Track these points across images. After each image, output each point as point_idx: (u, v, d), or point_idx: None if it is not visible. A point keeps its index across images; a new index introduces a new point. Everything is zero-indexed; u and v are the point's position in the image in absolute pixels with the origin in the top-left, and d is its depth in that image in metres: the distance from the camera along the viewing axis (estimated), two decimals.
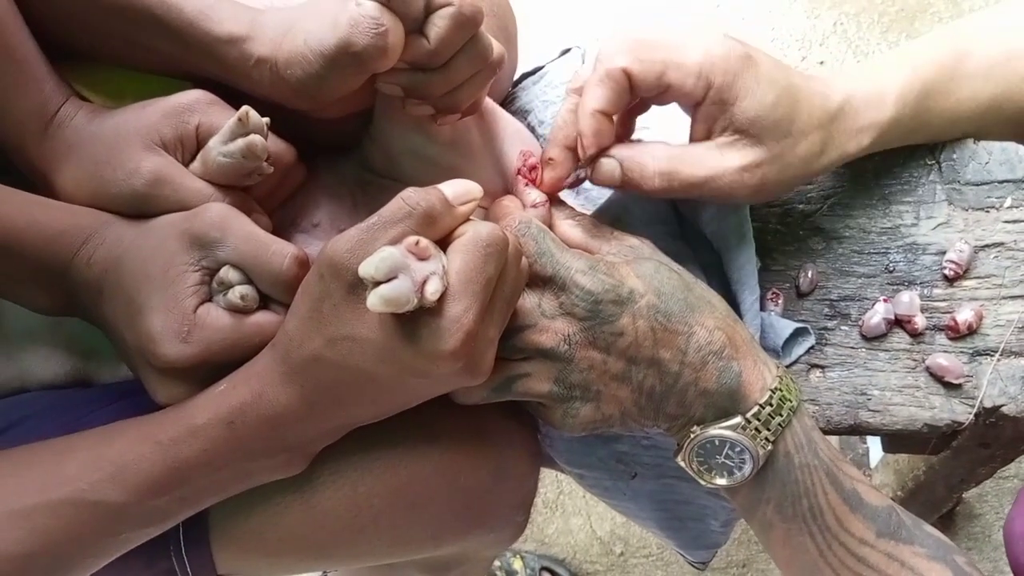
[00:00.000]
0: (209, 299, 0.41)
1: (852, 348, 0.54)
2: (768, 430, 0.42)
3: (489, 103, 0.50)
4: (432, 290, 0.34)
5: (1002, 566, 1.01)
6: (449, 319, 0.35)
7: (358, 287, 0.35)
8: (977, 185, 0.55)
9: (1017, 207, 0.54)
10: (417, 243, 0.35)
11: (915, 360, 0.53)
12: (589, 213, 0.52)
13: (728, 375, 0.42)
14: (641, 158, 0.46)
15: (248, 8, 0.45)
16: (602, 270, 0.42)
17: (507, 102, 0.62)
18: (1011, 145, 0.55)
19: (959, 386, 0.52)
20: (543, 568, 1.10)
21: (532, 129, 0.58)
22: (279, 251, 0.40)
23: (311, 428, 0.40)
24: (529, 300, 0.43)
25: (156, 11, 0.43)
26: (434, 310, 0.35)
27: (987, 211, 0.55)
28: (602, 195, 0.54)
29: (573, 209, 0.47)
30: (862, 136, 0.49)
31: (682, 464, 0.44)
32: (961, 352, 0.52)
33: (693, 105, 0.46)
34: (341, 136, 0.51)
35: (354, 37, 0.39)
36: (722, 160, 0.46)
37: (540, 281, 0.43)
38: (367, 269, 0.33)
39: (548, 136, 0.48)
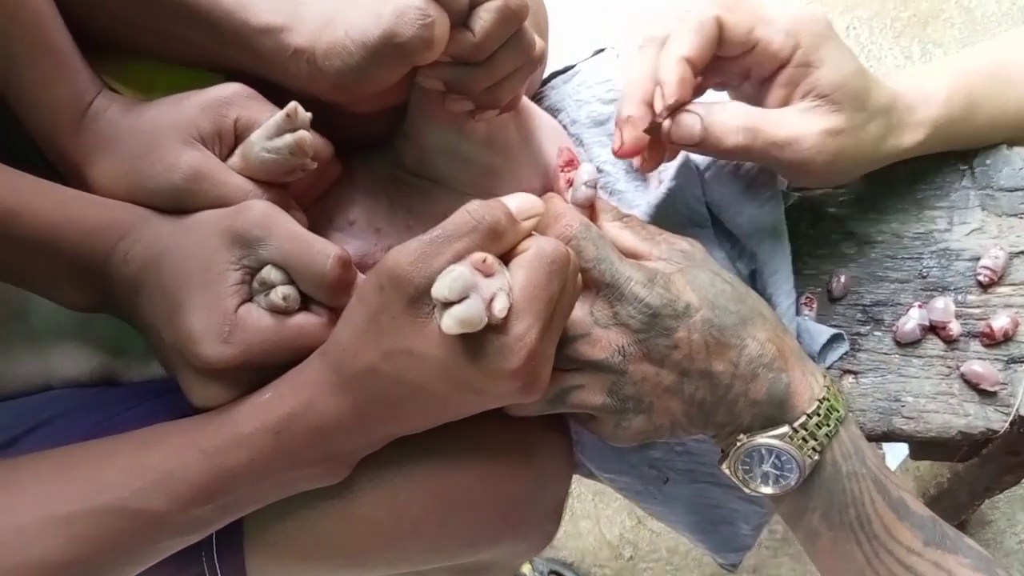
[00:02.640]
0: (250, 299, 0.40)
1: (885, 354, 0.54)
2: (815, 440, 0.41)
3: (524, 100, 0.49)
4: (499, 308, 0.34)
5: (1014, 573, 1.00)
6: (513, 337, 0.35)
7: (419, 300, 0.35)
8: (1011, 191, 0.55)
9: None
10: (484, 260, 0.34)
11: (949, 367, 0.52)
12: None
13: (777, 386, 0.42)
14: (724, 113, 0.45)
15: None
16: (660, 283, 0.42)
17: (537, 101, 0.61)
18: None
19: (994, 393, 0.51)
20: (551, 572, 1.09)
21: (564, 128, 0.58)
22: (323, 251, 0.39)
23: (359, 438, 0.40)
24: (582, 308, 0.42)
25: (192, 1, 0.43)
26: (498, 327, 0.35)
27: (1020, 217, 0.54)
28: (637, 197, 0.53)
29: (619, 210, 0.47)
30: (917, 131, 0.50)
31: (727, 471, 0.44)
32: (996, 359, 0.52)
33: (774, 69, 0.45)
34: (374, 133, 0.50)
35: (399, 28, 0.38)
36: (806, 123, 0.45)
37: (595, 287, 0.42)
38: (440, 290, 0.32)
39: (622, 94, 0.46)
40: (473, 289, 0.33)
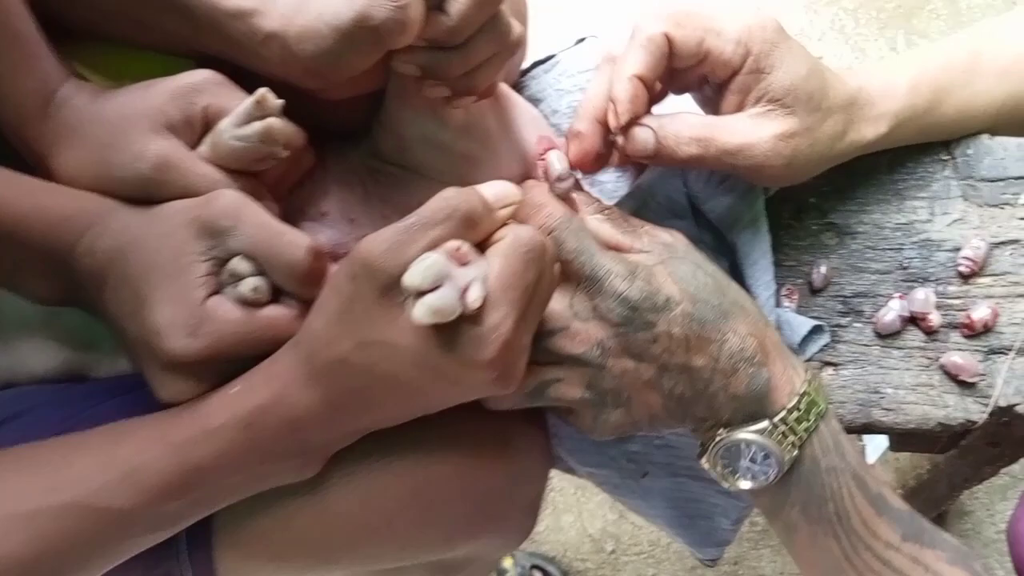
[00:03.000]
0: (219, 291, 0.39)
1: (865, 346, 0.53)
2: (795, 434, 0.41)
3: (504, 88, 0.49)
4: (474, 297, 0.33)
5: (991, 563, 1.01)
6: (488, 327, 0.34)
7: (392, 289, 0.34)
8: (992, 181, 0.55)
9: None
10: (459, 249, 0.33)
11: (929, 358, 0.52)
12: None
13: (758, 380, 0.41)
14: (676, 125, 0.45)
15: None
16: (641, 276, 0.41)
17: (517, 90, 0.60)
18: None
19: (973, 385, 0.51)
20: (533, 566, 1.09)
21: (545, 118, 0.57)
22: (294, 241, 0.38)
23: (332, 431, 0.39)
24: (561, 301, 0.41)
25: None
26: (472, 317, 0.34)
27: (1002, 207, 0.54)
28: (618, 187, 0.53)
29: (601, 202, 0.46)
30: (879, 124, 0.50)
31: (706, 466, 0.43)
32: (976, 350, 0.52)
33: (727, 77, 0.45)
34: (349, 121, 0.49)
35: (372, 10, 0.37)
36: (757, 129, 0.45)
37: (575, 280, 0.41)
38: (412, 279, 0.31)
39: (576, 109, 0.46)
40: (447, 278, 0.32)
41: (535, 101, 0.58)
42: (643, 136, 0.45)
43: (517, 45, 0.43)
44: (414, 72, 0.42)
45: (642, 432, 0.45)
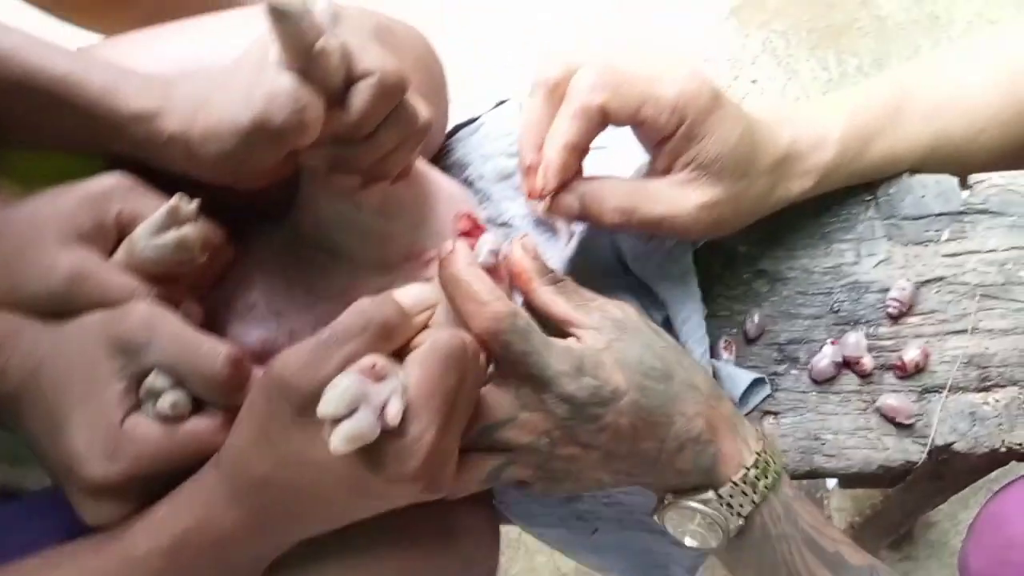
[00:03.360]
0: (137, 407, 0.38)
1: (803, 392, 0.54)
2: (741, 505, 0.42)
3: (421, 165, 0.48)
4: (393, 413, 0.32)
5: (955, 571, 1.02)
6: (411, 439, 0.33)
7: (309, 408, 0.33)
8: (915, 219, 0.55)
9: (955, 240, 0.55)
10: (374, 366, 0.32)
11: (866, 401, 0.53)
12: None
13: (703, 458, 0.42)
14: (601, 193, 0.46)
15: (158, 80, 0.42)
16: (588, 371, 0.40)
17: (443, 155, 0.60)
18: (945, 177, 0.56)
19: (910, 425, 0.52)
20: None
21: (471, 183, 0.57)
22: (211, 351, 0.37)
23: (259, 547, 0.38)
24: (507, 393, 0.41)
25: (57, 89, 0.41)
26: (394, 431, 0.33)
27: (926, 245, 0.55)
28: (548, 250, 0.52)
29: (555, 273, 0.45)
30: (805, 179, 0.50)
31: (657, 521, 0.45)
32: (910, 390, 0.52)
33: (659, 140, 0.46)
34: (268, 205, 0.48)
35: (270, 113, 0.37)
36: (680, 198, 0.46)
37: (521, 377, 0.41)
38: (326, 408, 0.31)
39: (519, 144, 0.47)
40: (363, 400, 0.31)
41: (462, 166, 0.58)
42: (568, 202, 0.46)
43: (425, 131, 0.42)
44: (322, 166, 0.41)
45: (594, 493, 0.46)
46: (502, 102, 0.59)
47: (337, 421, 0.31)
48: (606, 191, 0.46)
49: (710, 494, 0.42)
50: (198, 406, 0.39)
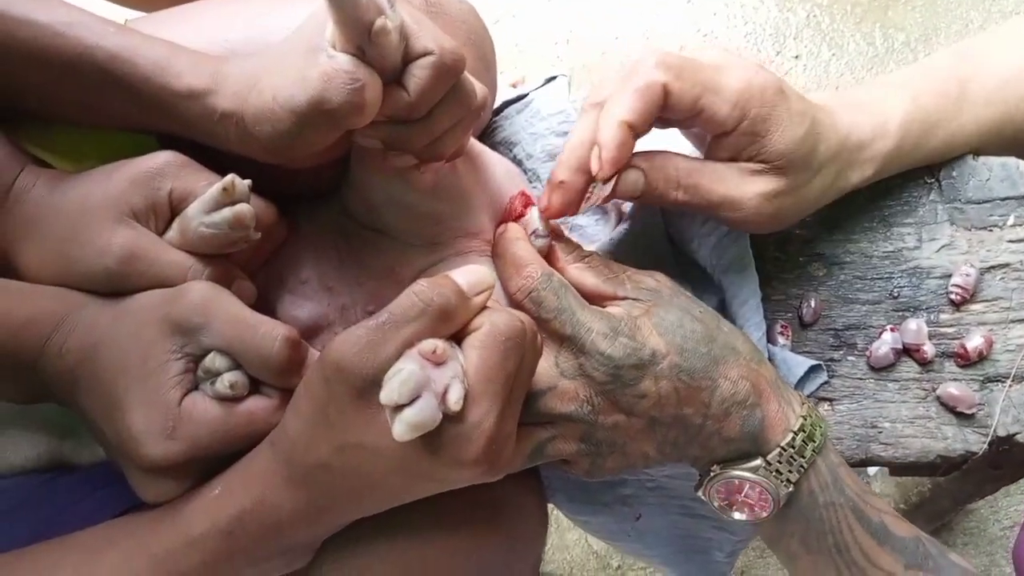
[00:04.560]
0: (195, 387, 0.37)
1: (860, 379, 0.52)
2: (790, 471, 0.41)
3: (474, 144, 0.47)
4: (455, 399, 0.32)
5: (998, 560, 1.01)
6: (471, 424, 0.33)
7: (367, 392, 0.32)
8: (979, 203, 0.53)
9: (1020, 225, 0.53)
10: (435, 351, 0.32)
11: (925, 390, 0.51)
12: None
13: (751, 422, 0.41)
14: (664, 169, 0.44)
15: (209, 58, 0.42)
16: (624, 332, 0.40)
17: (490, 132, 0.59)
18: (1011, 160, 0.54)
19: (972, 416, 0.50)
20: None
21: (519, 163, 0.56)
22: (268, 333, 0.37)
23: (316, 529, 0.38)
24: (547, 359, 0.41)
25: (108, 67, 0.40)
26: (454, 415, 0.33)
27: (990, 230, 0.53)
28: (598, 233, 0.51)
29: (582, 248, 0.45)
30: (866, 167, 0.49)
31: (703, 497, 0.44)
32: (972, 379, 0.51)
33: (719, 134, 0.44)
34: (318, 184, 0.48)
35: (328, 93, 0.36)
36: (744, 184, 0.44)
37: (558, 338, 0.41)
38: (390, 396, 0.30)
39: (559, 157, 0.44)
40: (424, 387, 0.31)
41: (510, 144, 0.57)
42: (633, 178, 0.44)
43: (481, 109, 0.41)
44: (377, 146, 0.40)
45: (639, 469, 0.46)
46: (552, 78, 0.57)
47: (399, 408, 0.30)
48: (669, 167, 0.44)
49: (758, 461, 0.41)
50: (254, 386, 0.39)
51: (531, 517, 0.48)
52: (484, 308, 0.36)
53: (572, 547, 1.13)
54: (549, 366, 0.41)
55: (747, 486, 0.42)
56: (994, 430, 0.50)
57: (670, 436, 0.42)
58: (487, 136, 0.59)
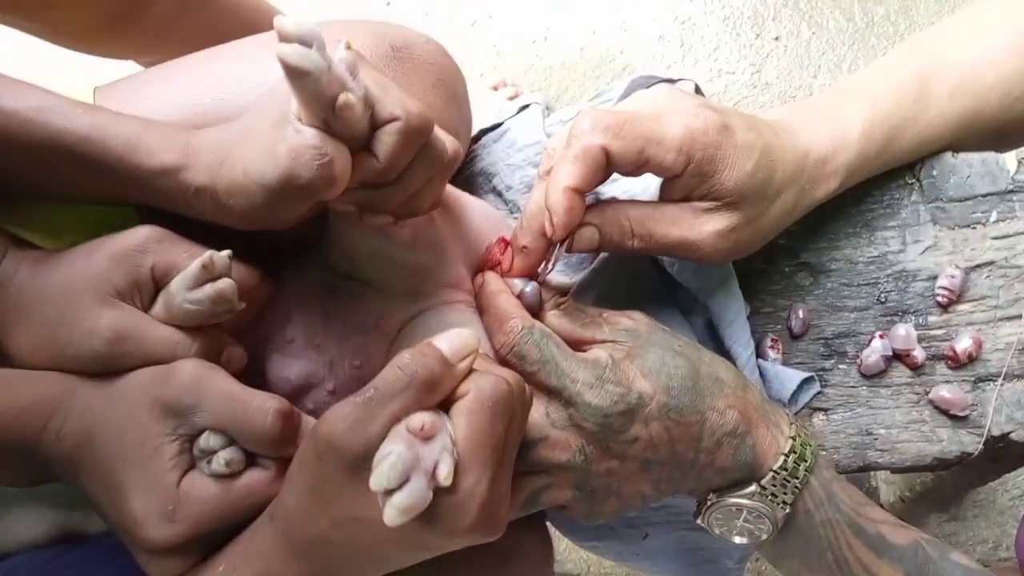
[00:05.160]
0: (192, 466, 0.38)
1: (852, 387, 0.53)
2: (784, 493, 0.42)
3: (451, 191, 0.47)
4: (444, 474, 0.32)
5: (1009, 530, 1.02)
6: (464, 494, 0.33)
7: (359, 467, 0.33)
8: (961, 201, 0.53)
9: (1004, 220, 0.53)
10: (422, 427, 0.32)
11: (918, 394, 0.52)
12: (570, 280, 0.50)
13: (743, 451, 0.42)
14: (617, 221, 0.44)
15: (179, 131, 0.42)
16: (610, 379, 0.40)
17: (469, 161, 0.59)
18: (990, 156, 0.54)
19: (965, 417, 0.50)
20: None
21: (500, 194, 0.56)
22: (260, 408, 0.37)
23: None
24: (537, 410, 0.41)
25: (79, 150, 0.40)
26: (446, 487, 0.33)
27: (974, 228, 0.53)
28: (583, 260, 0.52)
29: (557, 295, 0.45)
30: (830, 181, 0.49)
31: (702, 524, 0.44)
32: (963, 380, 0.51)
33: (669, 178, 0.44)
34: (300, 238, 0.48)
35: (297, 170, 0.36)
36: (698, 224, 0.44)
37: (546, 390, 0.41)
38: (379, 482, 0.30)
39: (519, 222, 0.45)
40: (413, 468, 0.31)
41: (489, 175, 0.57)
42: (588, 235, 0.44)
43: (453, 164, 0.41)
44: (352, 210, 0.41)
45: (638, 508, 0.46)
46: (525, 107, 0.57)
47: (389, 492, 0.31)
48: (621, 219, 0.44)
49: (753, 487, 0.42)
50: (251, 458, 0.39)
51: (537, 556, 0.49)
52: (470, 371, 0.36)
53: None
54: (540, 416, 0.41)
55: (744, 511, 0.43)
56: (988, 430, 0.50)
57: (664, 474, 0.42)
58: (466, 165, 0.59)
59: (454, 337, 0.36)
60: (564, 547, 1.14)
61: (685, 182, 0.43)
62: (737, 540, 0.44)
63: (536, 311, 0.45)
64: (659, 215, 0.44)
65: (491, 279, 0.46)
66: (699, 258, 0.45)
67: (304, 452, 0.35)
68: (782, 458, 0.42)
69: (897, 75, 0.51)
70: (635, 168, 0.43)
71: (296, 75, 0.33)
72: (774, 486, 0.42)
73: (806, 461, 0.42)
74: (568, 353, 0.42)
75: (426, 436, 0.32)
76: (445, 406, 0.35)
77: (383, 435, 0.33)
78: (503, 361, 0.42)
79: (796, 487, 0.42)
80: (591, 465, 0.41)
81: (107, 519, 0.39)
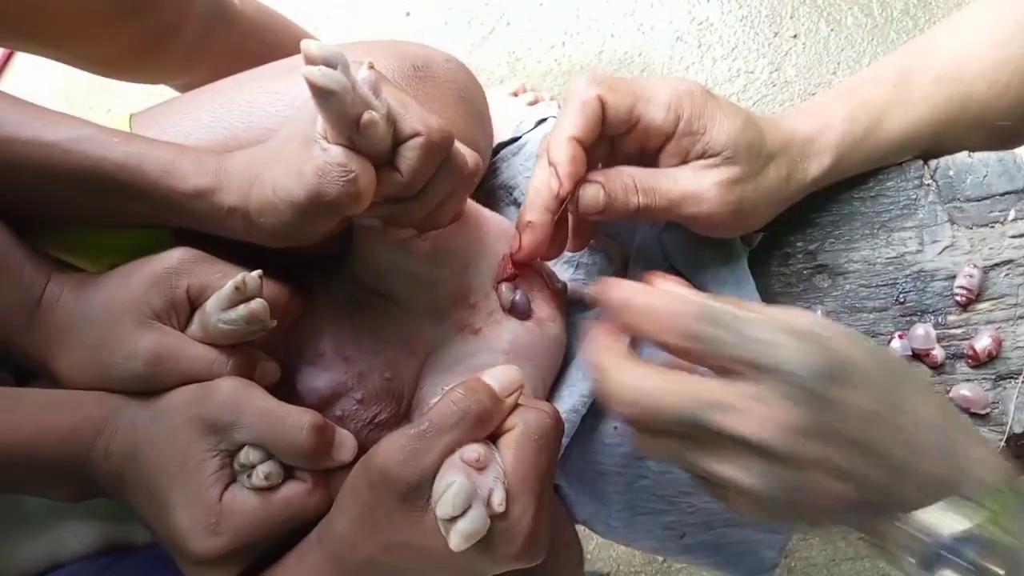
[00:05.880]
0: (232, 480, 0.40)
1: None
2: (1008, 519, 0.32)
3: (472, 206, 0.49)
4: (498, 502, 0.34)
5: None
6: (513, 521, 0.35)
7: (412, 496, 0.35)
8: (978, 200, 0.54)
9: (1021, 219, 0.53)
10: (478, 459, 0.34)
11: (939, 393, 0.52)
12: (586, 288, 0.51)
13: (952, 450, 0.33)
14: (620, 178, 0.46)
15: (211, 156, 0.44)
16: (817, 337, 0.33)
17: (490, 175, 0.60)
18: (1007, 155, 0.54)
19: (986, 415, 0.51)
20: None
21: (519, 206, 0.57)
22: (296, 423, 0.39)
23: None
24: (728, 387, 0.33)
25: (117, 177, 0.42)
26: (495, 515, 0.35)
27: (992, 227, 0.53)
28: (596, 265, 0.53)
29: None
30: (822, 157, 0.50)
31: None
32: (984, 379, 0.51)
33: (661, 143, 0.46)
34: (329, 252, 0.50)
35: (324, 187, 0.38)
36: (700, 178, 0.46)
37: (737, 367, 0.33)
38: (445, 509, 0.32)
39: (524, 200, 0.46)
40: (474, 497, 0.33)
41: (509, 188, 0.58)
42: (592, 192, 0.45)
43: (474, 177, 0.43)
44: (376, 224, 0.42)
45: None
46: (542, 120, 0.59)
47: (453, 519, 0.33)
48: (625, 176, 0.46)
49: (971, 506, 0.32)
50: (288, 471, 0.41)
51: (566, 557, 0.50)
52: (516, 407, 0.38)
53: (617, 544, 1.15)
54: (726, 391, 0.33)
55: (963, 550, 0.32)
56: (1010, 427, 0.50)
57: (872, 477, 0.33)
58: (486, 179, 0.60)
59: (502, 373, 0.38)
60: (594, 546, 1.15)
61: (677, 144, 0.45)
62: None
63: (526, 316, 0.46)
64: (662, 173, 0.46)
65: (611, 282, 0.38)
66: (705, 215, 0.46)
67: (356, 480, 0.37)
68: (996, 474, 0.33)
69: (875, 71, 0.53)
70: (627, 127, 0.45)
71: (322, 95, 0.35)
72: (997, 505, 0.32)
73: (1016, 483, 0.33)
74: (747, 318, 0.34)
75: (480, 467, 0.34)
76: (492, 438, 0.37)
77: (437, 466, 0.35)
78: (676, 351, 0.35)
79: (1017, 509, 0.32)
80: (791, 452, 0.32)
81: (154, 532, 0.41)
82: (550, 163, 0.44)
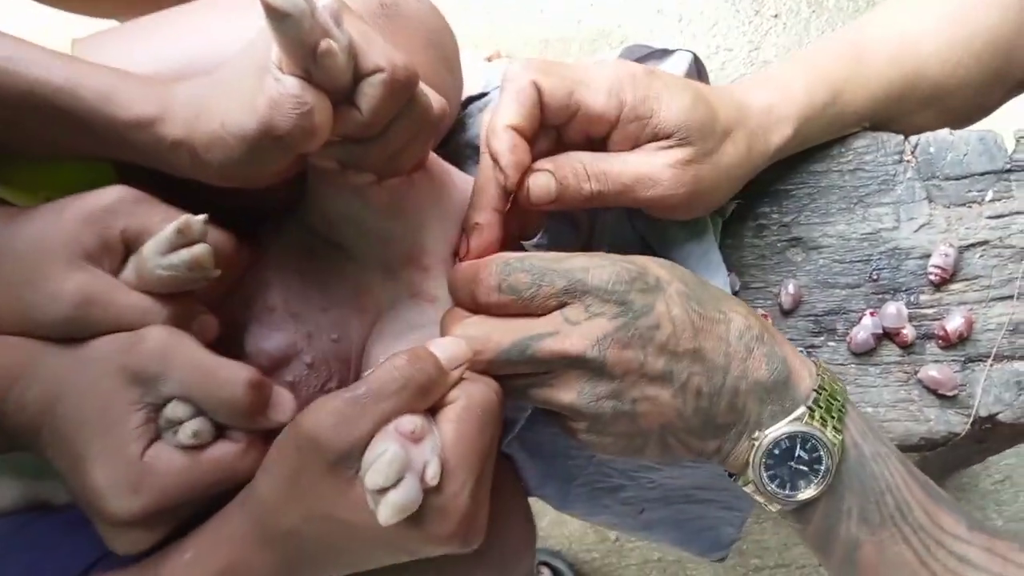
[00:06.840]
0: (157, 437, 0.37)
1: (841, 365, 0.52)
2: (831, 418, 0.37)
3: (436, 163, 0.46)
4: (432, 475, 0.31)
5: (989, 513, 1.02)
6: (447, 497, 0.32)
7: (340, 465, 0.32)
8: (957, 179, 0.53)
9: (999, 200, 0.52)
10: (413, 431, 0.31)
11: (907, 372, 0.51)
12: None
13: (775, 361, 0.37)
14: (570, 164, 0.42)
15: (156, 83, 0.40)
16: (619, 259, 0.37)
17: (455, 131, 0.58)
18: (988, 133, 0.53)
19: (953, 397, 0.50)
20: (541, 563, 1.10)
21: None
22: (230, 378, 0.36)
23: None
24: (552, 319, 0.36)
25: (54, 101, 0.38)
26: (430, 490, 0.32)
27: (969, 206, 0.52)
28: (569, 241, 0.51)
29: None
30: (783, 126, 0.48)
31: (748, 490, 0.39)
32: (953, 360, 0.51)
33: (606, 131, 0.43)
34: (282, 198, 0.47)
35: (276, 120, 0.34)
36: (653, 159, 0.43)
37: (557, 304, 0.36)
38: (375, 480, 0.30)
39: (470, 201, 0.43)
40: (407, 468, 0.31)
41: (476, 147, 0.56)
42: (543, 181, 0.42)
43: (438, 123, 0.40)
44: (333, 166, 0.39)
45: (650, 455, 0.39)
46: None
47: (383, 490, 0.30)
48: (575, 161, 0.42)
49: (801, 410, 0.36)
50: (219, 429, 0.38)
51: (519, 535, 0.48)
52: (460, 380, 0.35)
53: (570, 522, 1.14)
54: (553, 317, 0.36)
55: (796, 447, 0.36)
56: (976, 411, 0.50)
57: (692, 384, 0.36)
58: (453, 134, 0.58)
59: (450, 344, 0.35)
60: (547, 522, 1.14)
61: (624, 131, 0.42)
62: (801, 494, 0.37)
63: None
64: (613, 157, 0.43)
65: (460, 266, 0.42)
66: (660, 197, 0.43)
67: (284, 441, 0.34)
68: (818, 379, 0.37)
69: (832, 44, 0.52)
70: (567, 114, 0.42)
71: (277, 17, 0.31)
72: (820, 407, 0.36)
73: (837, 386, 0.38)
74: (560, 256, 0.37)
75: (416, 440, 0.32)
76: (432, 411, 0.35)
77: (370, 435, 0.32)
78: (498, 309, 0.38)
79: (841, 408, 0.37)
80: (606, 358, 0.35)
81: (70, 490, 0.38)
82: (491, 156, 0.41)
